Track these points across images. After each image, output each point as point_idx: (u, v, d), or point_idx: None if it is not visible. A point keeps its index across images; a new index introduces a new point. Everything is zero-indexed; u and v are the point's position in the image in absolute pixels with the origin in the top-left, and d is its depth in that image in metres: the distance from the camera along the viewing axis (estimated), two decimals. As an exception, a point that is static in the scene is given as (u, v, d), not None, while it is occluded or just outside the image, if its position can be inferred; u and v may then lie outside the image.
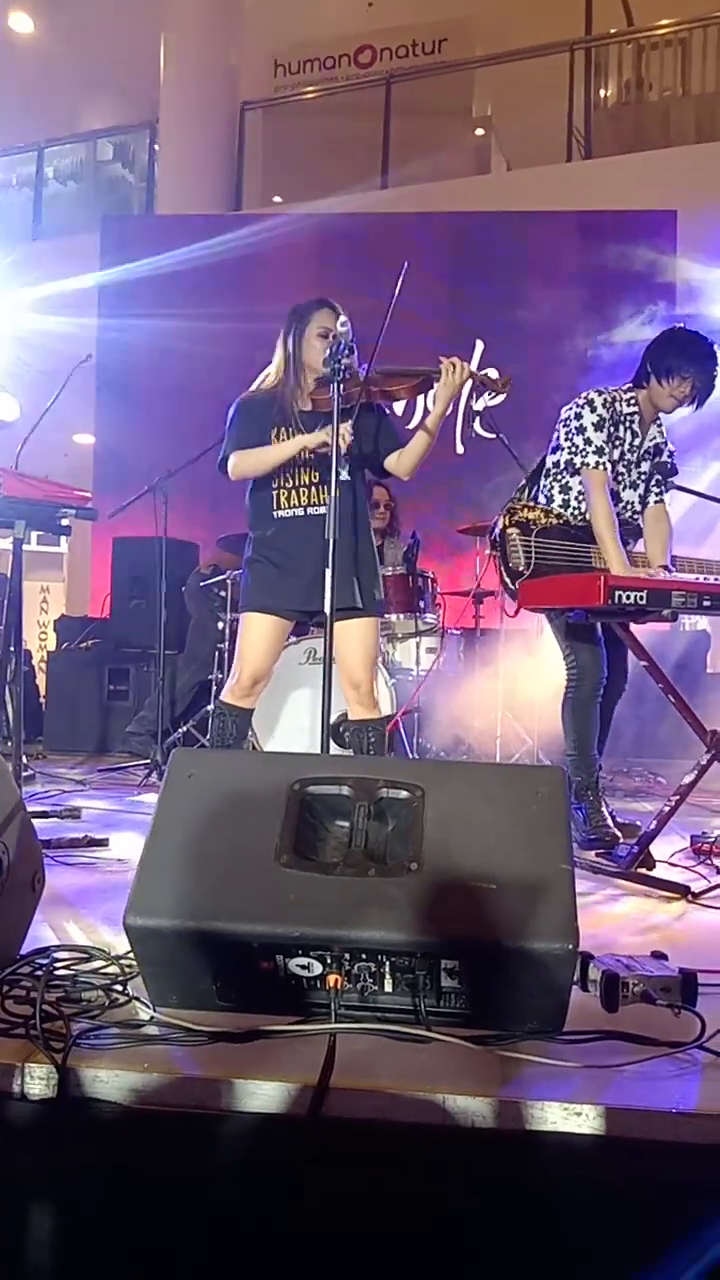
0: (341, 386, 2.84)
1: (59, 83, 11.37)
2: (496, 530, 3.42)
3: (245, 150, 9.72)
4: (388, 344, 3.11)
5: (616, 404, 3.33)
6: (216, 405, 3.19)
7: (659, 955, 1.75)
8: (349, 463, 3.09)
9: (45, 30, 11.50)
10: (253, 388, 3.23)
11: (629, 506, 3.43)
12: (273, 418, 3.10)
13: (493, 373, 3.42)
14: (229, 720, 3.19)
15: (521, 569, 3.30)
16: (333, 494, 2.82)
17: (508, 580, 3.36)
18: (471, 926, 1.52)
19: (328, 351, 2.87)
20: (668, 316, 6.52)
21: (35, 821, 2.00)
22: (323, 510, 2.96)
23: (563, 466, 3.37)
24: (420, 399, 6.96)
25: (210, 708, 5.28)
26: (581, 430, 3.29)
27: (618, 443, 3.35)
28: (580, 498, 3.33)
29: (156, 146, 10.04)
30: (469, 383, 3.12)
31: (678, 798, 2.89)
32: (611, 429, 3.31)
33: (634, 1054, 1.50)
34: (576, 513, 3.35)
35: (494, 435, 5.23)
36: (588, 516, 3.29)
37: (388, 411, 3.28)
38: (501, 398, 7.02)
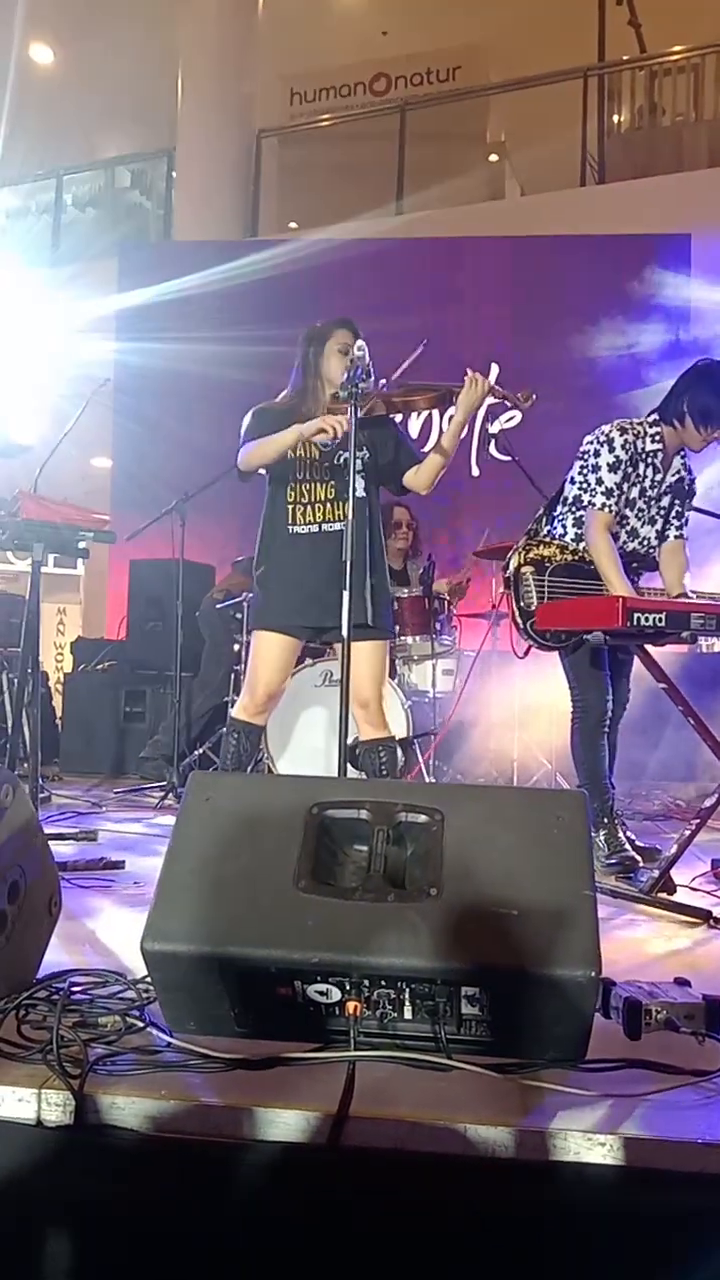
0: (361, 405, 2.86)
1: (78, 112, 11.53)
2: (510, 569, 3.40)
3: (261, 177, 9.82)
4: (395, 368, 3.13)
5: (639, 441, 3.28)
6: (233, 428, 3.21)
7: (682, 982, 1.73)
8: (365, 478, 3.11)
9: (64, 61, 11.67)
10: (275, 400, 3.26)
11: (645, 542, 3.41)
12: (291, 425, 3.12)
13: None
14: (241, 737, 3.20)
15: (533, 609, 3.30)
16: (351, 514, 2.82)
17: (519, 620, 3.35)
18: (492, 953, 1.50)
19: (345, 375, 2.89)
20: (682, 341, 6.54)
21: (52, 844, 1.99)
22: (338, 526, 2.96)
23: (571, 501, 3.36)
24: (436, 420, 7.01)
25: (224, 730, 5.30)
26: (596, 469, 3.27)
27: (637, 480, 3.31)
28: None
29: (174, 173, 10.14)
30: (488, 400, 3.13)
31: (698, 821, 2.86)
32: (629, 469, 3.27)
33: (658, 1083, 1.48)
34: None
35: (509, 458, 5.24)
36: None
37: (401, 428, 3.29)
38: (517, 419, 7.05)
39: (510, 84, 9.99)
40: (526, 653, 3.44)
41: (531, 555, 3.35)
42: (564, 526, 3.39)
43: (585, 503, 3.27)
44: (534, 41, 9.86)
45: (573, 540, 3.35)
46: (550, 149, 9.46)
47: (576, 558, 3.32)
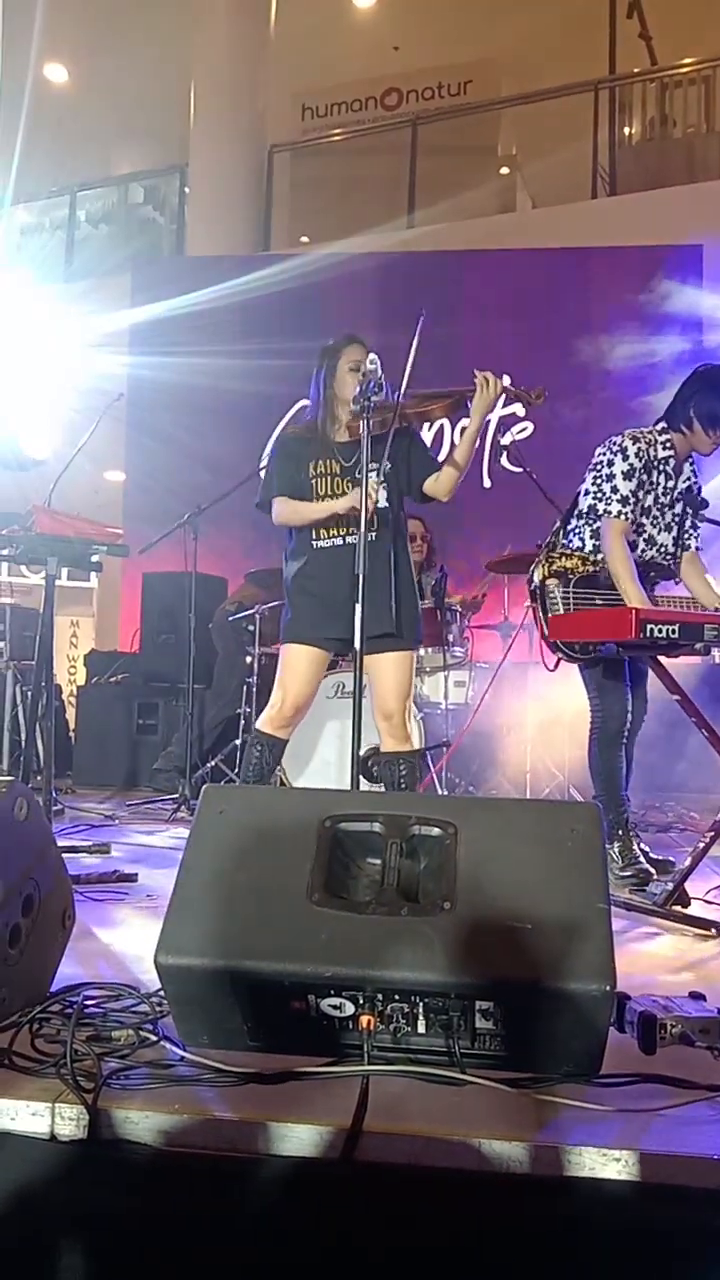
0: (373, 416, 2.87)
1: (91, 129, 11.62)
2: (535, 581, 3.40)
3: (273, 192, 9.87)
4: (416, 378, 3.13)
5: (652, 449, 3.30)
6: (245, 442, 3.24)
7: (697, 995, 1.72)
8: (387, 489, 3.13)
9: (78, 79, 11.77)
10: (286, 419, 3.28)
11: (663, 549, 3.41)
12: (313, 450, 3.15)
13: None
14: (264, 749, 3.20)
15: None
16: (362, 531, 2.83)
17: (547, 631, 3.34)
18: (507, 967, 1.50)
19: (358, 389, 2.90)
20: (696, 351, 6.53)
21: (65, 856, 2.00)
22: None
23: (586, 511, 3.36)
24: (447, 432, 7.01)
25: (238, 742, 5.31)
26: (610, 478, 3.28)
27: (651, 487, 3.32)
28: None
29: (186, 189, 10.21)
30: (500, 411, 3.14)
31: (712, 834, 2.85)
32: (644, 476, 3.28)
33: (673, 1097, 1.47)
34: None
35: (521, 469, 5.24)
36: None
37: (420, 437, 3.30)
38: (529, 430, 7.05)
39: (521, 97, 10.02)
40: (557, 665, 3.43)
41: (555, 567, 3.35)
42: (580, 539, 3.39)
43: (601, 512, 3.28)
44: (545, 55, 9.89)
45: (591, 551, 3.35)
46: (561, 161, 9.48)
47: (597, 569, 3.32)
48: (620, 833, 3.31)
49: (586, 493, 3.38)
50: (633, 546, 3.30)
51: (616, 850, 3.29)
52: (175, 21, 9.69)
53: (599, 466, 3.33)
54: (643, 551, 3.36)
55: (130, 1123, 1.41)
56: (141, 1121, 1.41)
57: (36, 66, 11.39)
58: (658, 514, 3.37)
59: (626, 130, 9.51)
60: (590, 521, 3.36)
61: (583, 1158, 1.33)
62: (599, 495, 3.30)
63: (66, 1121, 1.41)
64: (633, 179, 9.03)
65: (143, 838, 4.17)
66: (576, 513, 3.43)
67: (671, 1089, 1.49)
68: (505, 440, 6.93)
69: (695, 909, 2.86)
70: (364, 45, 10.97)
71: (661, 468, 3.33)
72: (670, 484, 3.37)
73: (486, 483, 7.06)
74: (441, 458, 3.22)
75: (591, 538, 3.36)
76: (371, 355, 2.90)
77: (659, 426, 3.36)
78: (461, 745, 5.02)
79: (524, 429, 7.09)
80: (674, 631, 2.71)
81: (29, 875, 1.76)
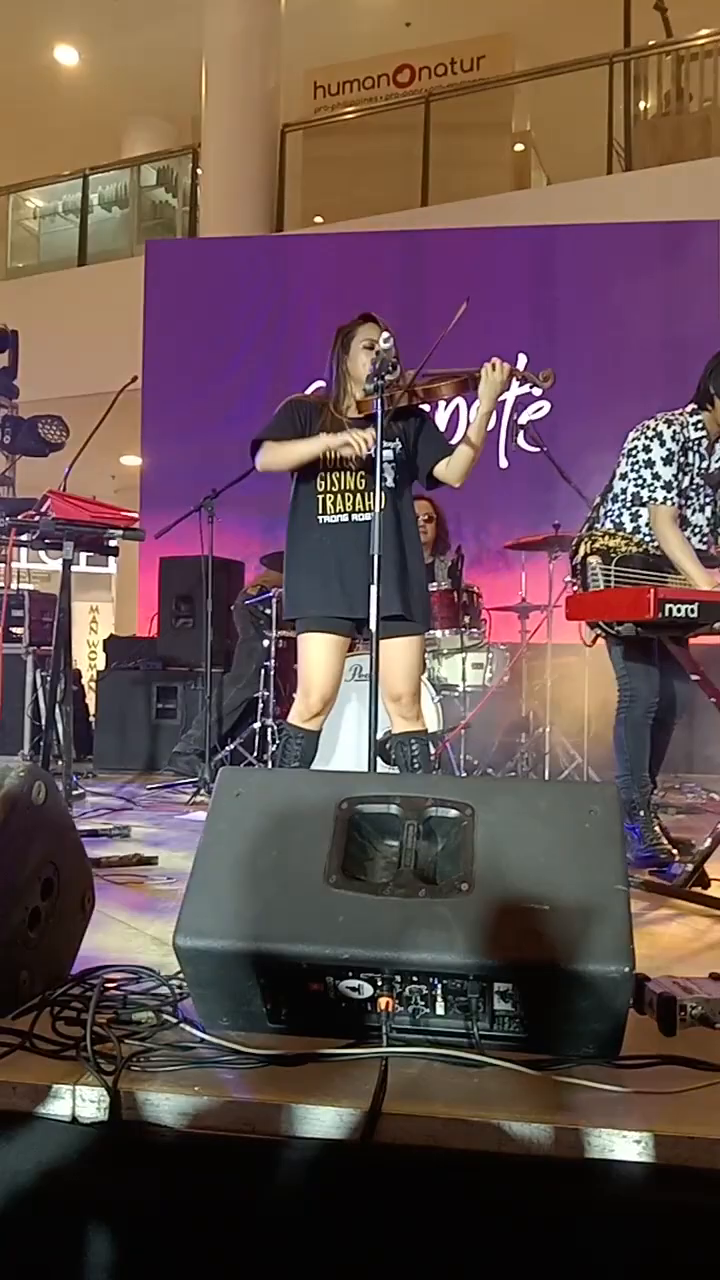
0: (386, 393, 2.85)
1: (102, 112, 11.58)
2: (578, 557, 3.38)
3: (286, 171, 9.81)
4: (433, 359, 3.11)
5: (685, 430, 3.28)
6: (260, 423, 3.21)
7: (717, 977, 1.72)
8: (396, 469, 3.10)
9: (89, 62, 11.72)
10: (307, 391, 3.25)
11: (697, 530, 3.38)
12: (322, 422, 3.11)
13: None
14: (295, 743, 3.15)
15: None
16: (376, 508, 2.81)
17: (568, 610, 3.31)
18: (525, 949, 1.49)
19: (371, 367, 2.87)
20: (714, 328, 6.46)
21: (85, 840, 2.00)
22: (368, 516, 2.94)
23: (629, 497, 3.33)
24: (463, 412, 6.98)
25: (256, 725, 5.32)
26: (650, 464, 3.26)
27: (687, 469, 3.30)
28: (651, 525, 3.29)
29: (199, 170, 10.17)
30: (512, 385, 3.11)
31: (732, 814, 2.83)
32: (681, 459, 3.26)
33: (693, 1079, 1.47)
34: (654, 541, 3.30)
35: (538, 449, 5.21)
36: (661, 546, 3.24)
37: (432, 419, 3.27)
38: (545, 410, 7.01)
39: (535, 72, 9.91)
40: (594, 642, 3.42)
41: (598, 545, 3.33)
42: (616, 521, 3.36)
43: (645, 499, 3.26)
44: (559, 29, 9.77)
45: (632, 532, 3.33)
46: (576, 137, 9.39)
47: (641, 549, 3.30)
48: (641, 813, 3.30)
49: (624, 476, 3.35)
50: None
51: (637, 831, 3.27)
52: (185, 1, 9.62)
53: (634, 452, 3.31)
54: None
55: (151, 1104, 1.41)
56: (162, 1103, 1.41)
57: (46, 49, 11.38)
58: (693, 495, 3.34)
59: (642, 104, 9.39)
60: (628, 505, 3.33)
61: (602, 1139, 1.33)
62: (640, 482, 3.28)
63: (87, 1103, 1.42)
64: (649, 154, 8.93)
65: (162, 821, 4.19)
66: (612, 496, 3.40)
67: (692, 1071, 1.49)
68: (522, 420, 6.88)
69: (715, 890, 2.85)
70: (375, 22, 10.86)
71: (696, 448, 3.31)
72: (704, 464, 3.34)
73: (504, 463, 7.03)
74: (456, 438, 3.19)
75: (631, 520, 3.33)
76: (385, 334, 2.88)
77: (689, 408, 3.33)
78: (478, 728, 5.01)
79: (540, 408, 7.04)
80: (693, 611, 2.69)
81: (48, 859, 1.77)
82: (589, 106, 9.16)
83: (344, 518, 3.11)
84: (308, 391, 3.27)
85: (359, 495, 3.09)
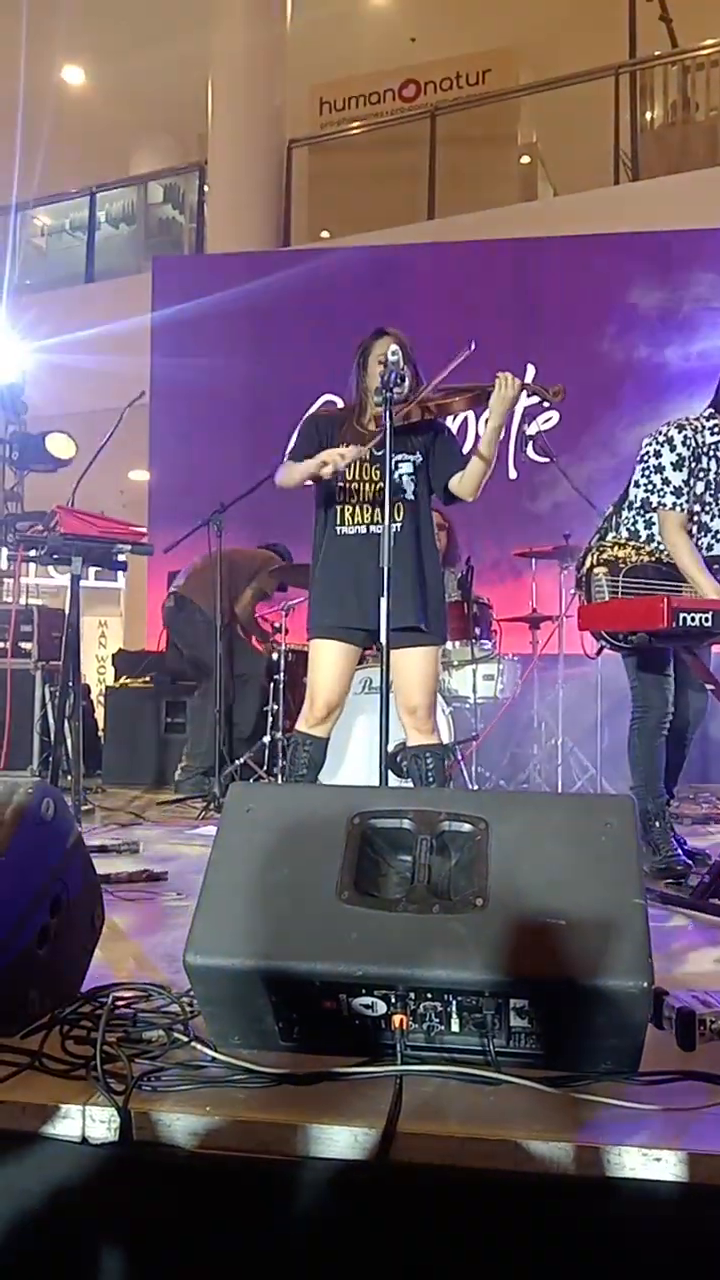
0: (396, 408, 2.86)
1: (110, 129, 11.66)
2: (584, 568, 3.36)
3: (293, 187, 9.85)
4: (437, 370, 3.11)
5: (699, 434, 3.24)
6: (268, 438, 3.23)
7: (737, 991, 1.69)
8: (415, 482, 3.11)
9: (96, 80, 11.81)
10: (311, 412, 3.27)
11: (718, 536, 3.35)
12: (342, 435, 3.14)
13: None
14: (303, 749, 3.18)
15: None
16: (386, 520, 2.80)
17: (580, 621, 3.29)
18: (541, 964, 1.47)
19: (379, 380, 2.88)
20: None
21: (94, 856, 1.99)
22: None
23: (639, 504, 3.31)
24: (472, 424, 6.97)
25: (266, 739, 5.30)
26: (660, 469, 3.23)
27: (702, 474, 3.27)
28: None
29: (206, 187, 10.22)
30: (523, 398, 3.11)
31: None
32: (693, 464, 3.23)
33: (714, 1095, 1.44)
34: (666, 550, 3.27)
35: (548, 459, 5.20)
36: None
37: (449, 432, 3.27)
38: (554, 420, 6.99)
39: (541, 85, 9.94)
40: (599, 653, 3.39)
41: (605, 555, 3.31)
42: (630, 529, 3.34)
43: (654, 505, 3.24)
44: (564, 41, 9.81)
45: (645, 541, 3.30)
46: (583, 148, 9.40)
47: (652, 559, 3.27)
48: (658, 824, 3.27)
49: (636, 484, 3.33)
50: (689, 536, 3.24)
51: (652, 843, 3.24)
52: (191, 19, 9.69)
53: (646, 458, 3.29)
54: (697, 540, 3.29)
55: (162, 1125, 1.39)
56: (173, 1123, 1.39)
57: (54, 69, 11.46)
58: (710, 500, 3.31)
59: (648, 115, 9.40)
60: (642, 513, 3.31)
61: (623, 1158, 1.30)
62: (650, 488, 3.25)
63: (98, 1124, 1.40)
64: (655, 164, 8.94)
65: (171, 837, 4.17)
66: (627, 504, 3.38)
67: (712, 1086, 1.46)
68: (531, 430, 6.87)
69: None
70: (380, 37, 10.92)
71: (712, 453, 3.27)
72: None
73: (512, 474, 7.02)
74: (466, 450, 3.19)
75: (645, 528, 3.31)
76: (394, 347, 2.88)
77: (707, 412, 3.31)
78: (492, 739, 4.99)
79: (549, 419, 7.03)
80: (707, 620, 2.67)
81: (57, 876, 1.75)
82: (595, 118, 9.18)
83: (362, 529, 3.12)
84: (315, 406, 3.28)
85: (377, 508, 3.09)
